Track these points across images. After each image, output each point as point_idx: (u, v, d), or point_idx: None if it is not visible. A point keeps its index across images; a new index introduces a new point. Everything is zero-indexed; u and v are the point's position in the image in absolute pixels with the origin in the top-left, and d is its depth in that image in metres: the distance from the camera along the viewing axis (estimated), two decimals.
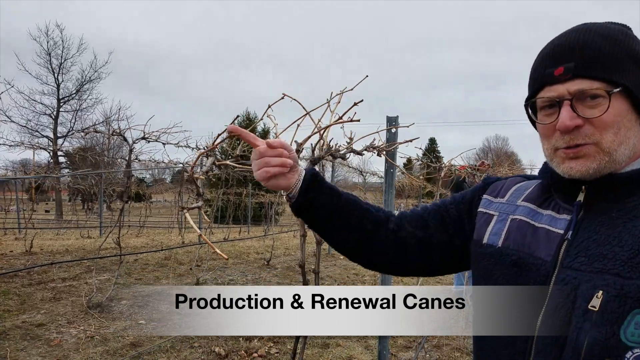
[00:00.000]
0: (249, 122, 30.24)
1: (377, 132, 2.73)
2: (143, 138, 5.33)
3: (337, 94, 2.13)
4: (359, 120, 2.04)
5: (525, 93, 0.95)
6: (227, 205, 19.66)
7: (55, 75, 28.63)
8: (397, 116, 3.05)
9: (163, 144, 5.53)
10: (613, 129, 0.81)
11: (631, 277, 0.73)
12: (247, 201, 20.16)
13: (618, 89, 0.80)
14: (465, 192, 1.11)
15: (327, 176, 13.23)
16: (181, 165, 9.38)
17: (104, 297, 5.41)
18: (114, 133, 5.21)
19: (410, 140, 2.91)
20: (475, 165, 5.75)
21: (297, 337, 2.11)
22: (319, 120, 2.12)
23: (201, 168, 1.20)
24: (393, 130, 3.02)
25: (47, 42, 28.12)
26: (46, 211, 31.59)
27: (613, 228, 0.80)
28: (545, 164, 0.95)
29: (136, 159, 9.90)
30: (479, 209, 1.03)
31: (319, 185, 1.06)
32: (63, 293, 5.78)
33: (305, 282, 2.15)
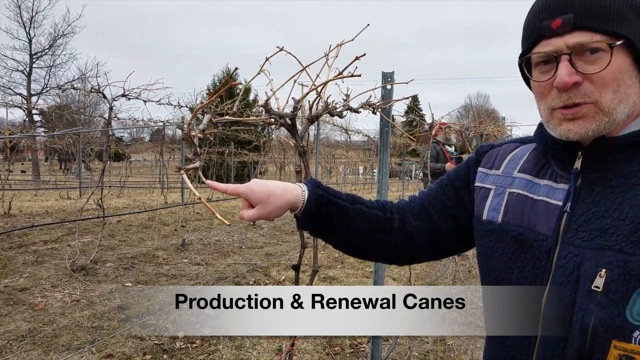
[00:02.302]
0: (229, 78, 29.37)
1: (374, 88, 2.61)
2: (123, 95, 5.08)
3: (335, 46, 1.98)
4: (359, 76, 1.91)
5: (515, 49, 0.88)
6: (209, 165, 19.40)
7: (27, 29, 27.25)
8: (393, 72, 2.91)
9: (144, 101, 5.29)
10: (613, 86, 0.74)
11: (634, 252, 0.69)
12: (229, 160, 19.93)
13: (620, 42, 0.73)
14: (458, 168, 1.06)
15: (312, 134, 13.05)
16: (162, 123, 9.11)
17: (88, 259, 5.30)
18: (93, 90, 4.95)
19: (407, 98, 2.81)
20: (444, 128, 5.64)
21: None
22: (317, 76, 1.98)
23: (196, 126, 1.10)
24: (389, 87, 2.90)
25: None
26: (22, 171, 30.82)
27: (613, 198, 0.75)
28: (540, 126, 0.89)
29: (115, 117, 9.57)
30: (476, 184, 0.99)
31: (325, 208, 1.01)
32: (45, 256, 5.64)
33: (303, 244, 2.08)
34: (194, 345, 3.41)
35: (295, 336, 2.13)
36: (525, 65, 0.85)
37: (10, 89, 26.70)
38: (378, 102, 2.74)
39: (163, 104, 6.15)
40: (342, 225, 1.02)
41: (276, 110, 1.79)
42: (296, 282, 2.16)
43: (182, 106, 6.98)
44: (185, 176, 1.05)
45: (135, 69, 4.99)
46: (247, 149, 18.98)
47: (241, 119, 1.58)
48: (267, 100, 1.69)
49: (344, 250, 1.09)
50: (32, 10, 27.12)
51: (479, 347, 3.75)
